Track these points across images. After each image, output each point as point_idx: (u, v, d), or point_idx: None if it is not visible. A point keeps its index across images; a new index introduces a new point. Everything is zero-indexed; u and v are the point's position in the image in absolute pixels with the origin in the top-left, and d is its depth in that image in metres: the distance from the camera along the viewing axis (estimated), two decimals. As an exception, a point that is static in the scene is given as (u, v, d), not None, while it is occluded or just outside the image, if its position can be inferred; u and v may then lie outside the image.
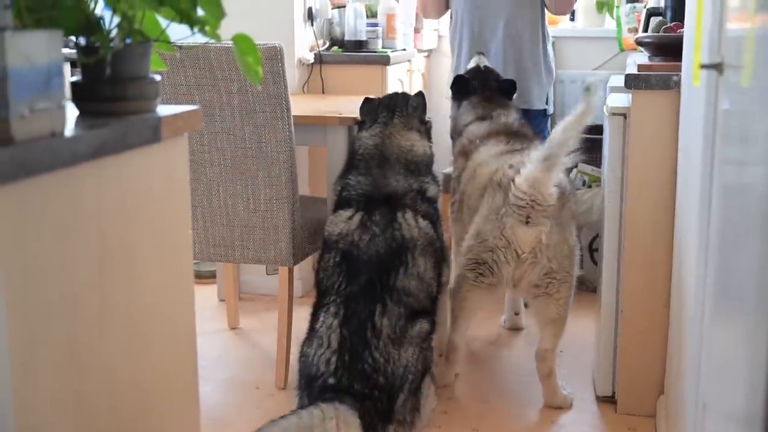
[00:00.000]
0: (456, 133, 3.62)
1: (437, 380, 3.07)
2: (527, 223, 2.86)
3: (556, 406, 3.07)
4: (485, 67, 3.78)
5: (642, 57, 3.28)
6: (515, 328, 3.82)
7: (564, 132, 2.75)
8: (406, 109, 3.21)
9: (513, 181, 2.86)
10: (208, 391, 3.19)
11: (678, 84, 2.73)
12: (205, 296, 4.18)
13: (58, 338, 1.37)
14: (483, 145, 3.35)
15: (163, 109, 1.66)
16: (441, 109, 5.27)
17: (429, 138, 3.28)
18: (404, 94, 3.33)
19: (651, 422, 2.93)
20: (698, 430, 1.77)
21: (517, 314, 3.82)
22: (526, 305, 3.74)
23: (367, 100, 3.26)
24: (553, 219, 2.88)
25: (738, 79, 1.34)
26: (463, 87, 3.67)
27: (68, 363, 1.39)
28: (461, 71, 4.18)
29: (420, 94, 3.29)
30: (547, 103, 4.33)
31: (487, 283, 2.99)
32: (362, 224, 2.94)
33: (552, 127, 4.50)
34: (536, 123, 4.19)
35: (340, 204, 3.05)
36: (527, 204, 2.83)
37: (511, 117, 3.50)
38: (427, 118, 3.29)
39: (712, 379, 1.63)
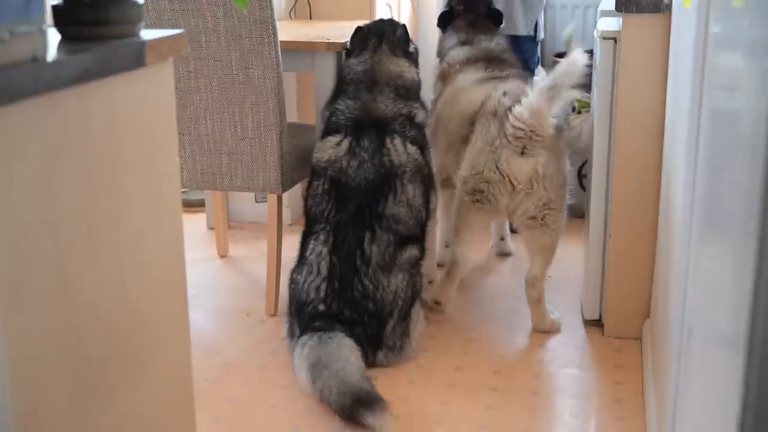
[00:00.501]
0: (441, 57, 3.59)
1: (436, 295, 3.12)
2: (523, 154, 2.85)
3: (545, 330, 3.11)
4: None
5: (633, -20, 3.23)
6: (504, 254, 3.84)
7: (570, 65, 2.74)
8: (394, 35, 3.18)
9: (510, 109, 2.85)
10: (199, 318, 3.21)
11: (669, 7, 2.70)
12: (194, 225, 4.19)
13: (46, 264, 1.36)
14: (463, 70, 3.33)
15: (147, 34, 1.63)
16: (428, 36, 5.20)
17: (417, 65, 3.25)
18: (391, 21, 3.29)
19: (637, 345, 2.98)
20: (684, 353, 1.79)
21: (503, 239, 3.83)
22: (513, 231, 3.75)
23: (358, 29, 3.22)
24: (550, 149, 2.87)
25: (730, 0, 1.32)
26: (449, 17, 3.61)
27: (57, 289, 1.39)
28: None
29: (404, 27, 3.25)
30: (536, 30, 4.27)
31: (485, 209, 3.01)
32: (351, 150, 2.93)
33: (542, 53, 4.47)
34: (525, 49, 4.15)
35: (329, 130, 3.04)
36: (525, 134, 2.82)
37: (493, 42, 3.46)
38: (413, 47, 3.25)
39: (698, 304, 1.64)
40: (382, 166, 2.91)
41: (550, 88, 2.77)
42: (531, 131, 2.82)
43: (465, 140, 3.06)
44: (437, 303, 3.19)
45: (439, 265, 3.51)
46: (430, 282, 3.27)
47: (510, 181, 2.90)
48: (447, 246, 3.52)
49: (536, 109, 2.79)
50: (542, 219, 2.97)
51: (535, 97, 2.80)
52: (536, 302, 3.10)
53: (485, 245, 3.84)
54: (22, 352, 1.30)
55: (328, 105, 3.11)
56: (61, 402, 1.42)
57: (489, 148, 2.91)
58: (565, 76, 2.75)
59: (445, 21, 3.59)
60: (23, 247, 1.31)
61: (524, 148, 2.85)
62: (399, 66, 3.12)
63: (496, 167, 2.89)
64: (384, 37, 3.15)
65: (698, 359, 1.58)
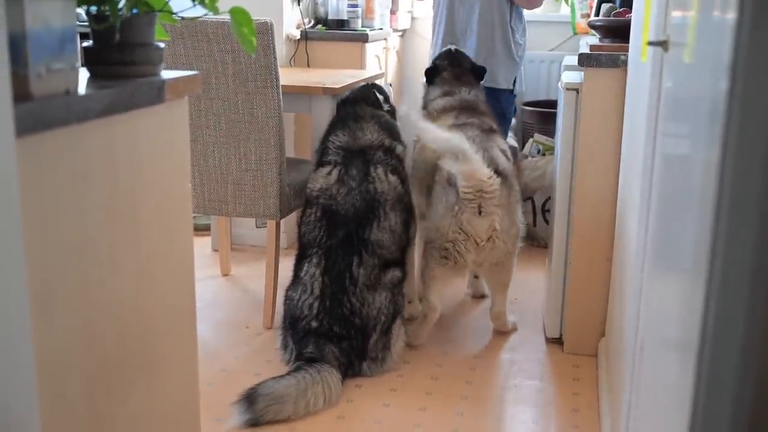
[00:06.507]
0: (424, 107, 3.55)
1: (411, 339, 3.04)
2: (480, 213, 2.85)
3: (507, 330, 3.22)
4: (456, 50, 3.71)
5: (593, 39, 3.27)
6: (479, 296, 3.63)
7: (436, 139, 2.81)
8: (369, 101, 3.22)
9: (457, 177, 2.84)
10: (203, 329, 3.18)
11: (625, 63, 2.73)
12: (201, 247, 4.16)
13: (70, 276, 1.35)
14: (439, 118, 3.30)
15: (167, 74, 1.63)
16: (412, 84, 5.24)
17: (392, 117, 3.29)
18: (363, 88, 3.31)
19: (593, 360, 2.97)
20: (636, 367, 1.79)
21: (477, 277, 3.65)
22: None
23: (341, 101, 3.26)
24: (503, 207, 2.88)
25: (681, 55, 1.34)
26: (434, 72, 3.60)
27: (80, 298, 1.38)
28: (438, 48, 4.15)
29: (375, 87, 3.29)
30: (514, 84, 4.29)
31: (451, 266, 2.97)
32: (340, 178, 2.95)
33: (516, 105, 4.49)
34: (503, 101, 4.17)
35: (321, 162, 3.06)
36: (474, 195, 2.82)
37: (471, 94, 3.44)
38: (387, 106, 3.29)
39: (649, 323, 1.64)
40: (368, 192, 2.91)
41: (453, 155, 2.77)
42: (478, 191, 2.81)
43: (430, 189, 3.06)
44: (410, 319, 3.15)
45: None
46: (410, 302, 3.26)
47: (473, 239, 2.88)
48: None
49: (467, 174, 2.79)
50: (498, 264, 2.99)
51: (458, 167, 2.79)
52: (503, 326, 3.19)
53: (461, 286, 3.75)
54: (49, 354, 1.29)
55: (321, 143, 3.13)
56: (81, 399, 1.41)
57: (451, 213, 2.89)
58: (442, 143, 2.78)
59: (431, 75, 3.59)
60: (51, 261, 1.30)
61: (480, 207, 2.83)
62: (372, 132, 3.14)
63: (460, 229, 2.87)
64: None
65: (649, 372, 1.58)
